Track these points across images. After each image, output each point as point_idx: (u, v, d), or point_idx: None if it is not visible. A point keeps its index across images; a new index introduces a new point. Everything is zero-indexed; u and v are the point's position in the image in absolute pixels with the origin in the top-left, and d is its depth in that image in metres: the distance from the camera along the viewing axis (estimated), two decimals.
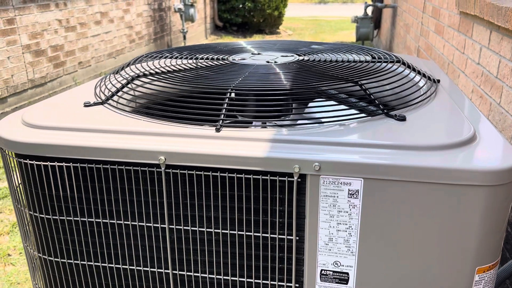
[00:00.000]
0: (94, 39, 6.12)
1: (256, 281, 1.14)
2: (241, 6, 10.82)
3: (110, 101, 1.33)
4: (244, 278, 1.15)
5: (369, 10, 7.94)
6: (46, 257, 1.23)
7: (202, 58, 1.64)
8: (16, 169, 1.19)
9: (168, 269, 1.18)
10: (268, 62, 1.56)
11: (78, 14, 5.70)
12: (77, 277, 1.24)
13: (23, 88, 4.80)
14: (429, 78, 1.52)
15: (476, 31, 2.56)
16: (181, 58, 1.66)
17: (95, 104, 1.31)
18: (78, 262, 1.22)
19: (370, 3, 7.91)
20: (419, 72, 1.55)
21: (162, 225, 1.14)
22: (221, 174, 1.06)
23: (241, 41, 2.02)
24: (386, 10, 7.59)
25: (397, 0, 6.38)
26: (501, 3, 2.07)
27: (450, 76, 3.07)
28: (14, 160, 1.16)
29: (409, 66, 1.57)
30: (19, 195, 1.22)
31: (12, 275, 2.43)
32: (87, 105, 1.31)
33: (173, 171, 1.08)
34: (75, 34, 5.67)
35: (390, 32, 6.94)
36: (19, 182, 1.21)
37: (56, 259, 1.22)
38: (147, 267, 1.19)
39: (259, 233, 1.10)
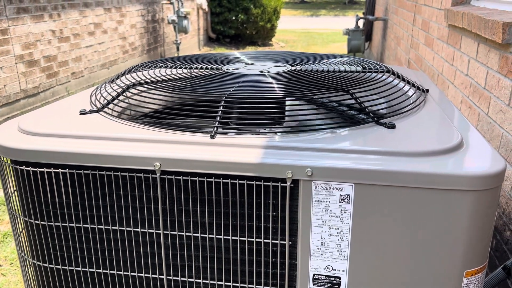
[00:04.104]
0: (88, 50, 6.14)
1: (249, 286, 1.15)
2: (234, 18, 10.92)
3: (105, 109, 1.35)
4: (237, 283, 1.16)
5: (361, 23, 8.06)
6: (40, 263, 1.24)
7: (196, 68, 1.66)
8: (12, 176, 1.20)
9: (163, 275, 1.19)
10: (261, 71, 1.59)
11: (72, 25, 5.72)
12: (72, 284, 1.24)
13: (16, 98, 4.79)
14: (418, 88, 1.56)
15: (464, 43, 2.62)
16: (175, 67, 1.68)
17: (91, 112, 1.33)
18: (73, 268, 1.22)
19: (361, 16, 8.02)
20: (408, 82, 1.59)
21: (157, 231, 1.15)
22: (215, 180, 1.08)
23: (235, 52, 2.06)
24: (377, 23, 7.71)
25: (388, 13, 6.49)
26: (488, 16, 2.12)
27: (439, 87, 3.13)
28: (10, 167, 1.18)
29: (398, 76, 1.61)
30: (14, 201, 1.23)
31: (3, 286, 2.41)
32: (83, 112, 1.32)
33: (168, 177, 1.10)
34: (68, 45, 5.69)
35: (381, 44, 7.04)
36: (14, 189, 1.21)
37: (50, 266, 1.23)
38: (142, 273, 1.20)
39: (253, 238, 1.11)
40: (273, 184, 1.06)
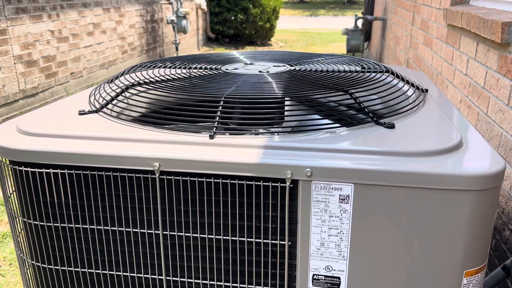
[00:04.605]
0: (87, 50, 6.14)
1: (249, 286, 1.15)
2: (233, 18, 10.92)
3: (104, 109, 1.34)
4: (237, 283, 1.16)
5: (360, 23, 8.06)
6: (39, 264, 1.23)
7: (195, 68, 1.66)
8: (11, 176, 1.19)
9: (162, 275, 1.18)
10: (260, 71, 1.59)
11: (71, 25, 5.72)
12: (71, 284, 1.24)
13: (15, 99, 4.79)
14: (417, 88, 1.56)
15: (463, 43, 2.62)
16: (174, 67, 1.68)
17: (90, 112, 1.33)
18: (72, 269, 1.22)
19: (361, 15, 8.03)
20: (407, 82, 1.59)
21: (156, 231, 1.15)
22: (214, 180, 1.08)
23: (234, 52, 2.05)
24: (376, 23, 7.71)
25: (387, 12, 6.49)
26: (487, 16, 2.12)
27: (438, 87, 3.13)
28: (9, 167, 1.17)
29: (398, 76, 1.61)
30: (13, 202, 1.23)
31: (2, 286, 2.40)
32: (81, 113, 1.32)
33: (167, 177, 1.09)
34: (67, 45, 5.68)
35: (380, 44, 7.04)
36: (13, 189, 1.21)
37: (49, 266, 1.23)
38: (141, 274, 1.20)
39: (252, 238, 1.11)
40: (272, 184, 1.06)
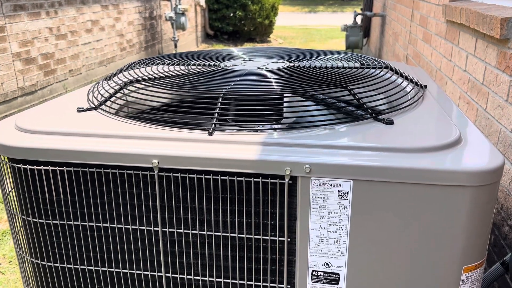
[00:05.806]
0: (85, 47, 6.12)
1: (248, 283, 1.15)
2: (232, 15, 10.90)
3: (103, 106, 1.34)
4: (236, 280, 1.16)
5: (359, 19, 8.04)
6: (39, 261, 1.23)
7: (193, 65, 1.66)
8: (10, 174, 1.19)
9: (161, 272, 1.19)
10: (259, 68, 1.59)
11: (69, 22, 5.70)
12: (70, 282, 1.24)
13: (13, 96, 4.78)
14: (416, 84, 1.56)
15: (462, 39, 2.62)
16: (172, 64, 1.68)
17: (88, 109, 1.33)
18: (71, 266, 1.22)
19: (360, 12, 8.01)
20: (406, 78, 1.58)
21: (155, 228, 1.15)
22: (213, 177, 1.08)
23: (232, 48, 2.05)
24: (375, 19, 7.69)
25: (386, 9, 6.48)
26: (486, 12, 2.12)
27: (438, 83, 3.13)
28: (7, 165, 1.17)
29: (397, 72, 1.61)
30: (12, 200, 1.22)
31: (2, 284, 2.40)
32: (80, 110, 1.32)
33: (166, 174, 1.09)
34: (65, 42, 5.67)
35: (379, 40, 7.03)
36: (12, 187, 1.21)
37: (49, 264, 1.23)
38: (140, 270, 1.20)
39: (251, 235, 1.11)
40: (271, 181, 1.06)
